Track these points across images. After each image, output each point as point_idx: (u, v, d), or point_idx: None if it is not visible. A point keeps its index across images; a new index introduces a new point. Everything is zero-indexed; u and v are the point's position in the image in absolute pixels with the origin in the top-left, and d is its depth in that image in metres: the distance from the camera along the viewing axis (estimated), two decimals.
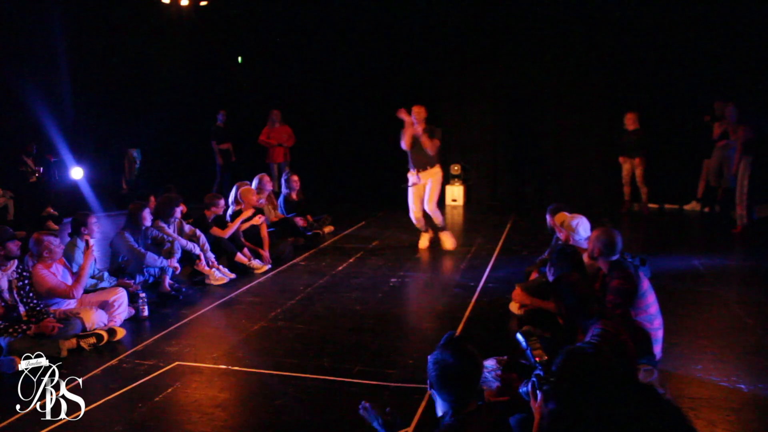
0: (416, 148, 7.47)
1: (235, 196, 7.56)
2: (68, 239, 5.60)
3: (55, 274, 4.98)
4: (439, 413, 2.37)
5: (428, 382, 2.39)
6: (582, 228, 4.87)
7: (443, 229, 7.84)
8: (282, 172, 10.17)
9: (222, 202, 7.19)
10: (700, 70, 9.99)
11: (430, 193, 7.54)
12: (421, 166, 7.52)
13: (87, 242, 5.28)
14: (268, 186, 8.37)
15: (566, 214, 5.11)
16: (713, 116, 9.40)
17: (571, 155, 11.26)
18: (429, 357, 2.43)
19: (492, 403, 3.01)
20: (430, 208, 7.58)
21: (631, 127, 10.01)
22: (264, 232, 7.45)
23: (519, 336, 2.87)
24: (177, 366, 4.28)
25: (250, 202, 7.32)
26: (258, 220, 7.29)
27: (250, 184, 7.90)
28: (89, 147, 11.09)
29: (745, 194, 8.19)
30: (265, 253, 7.19)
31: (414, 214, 7.74)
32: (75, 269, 5.21)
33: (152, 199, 7.38)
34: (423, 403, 3.64)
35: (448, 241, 7.78)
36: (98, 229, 5.60)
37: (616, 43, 10.70)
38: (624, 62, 10.68)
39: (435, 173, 7.55)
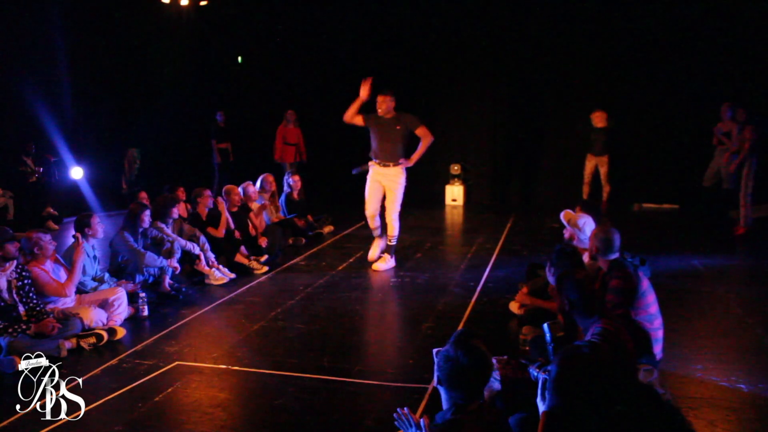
0: (383, 137, 6.73)
1: (261, 185, 8.22)
2: (71, 239, 5.58)
3: (47, 271, 4.95)
4: (444, 407, 2.37)
5: (435, 377, 2.37)
6: (588, 227, 4.85)
7: (383, 239, 6.97)
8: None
9: (208, 192, 7.26)
10: (705, 69, 10.00)
11: (394, 199, 6.77)
12: (383, 160, 6.75)
13: (77, 239, 5.23)
14: (270, 186, 8.41)
15: (572, 212, 5.10)
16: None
17: (571, 154, 11.25)
18: (437, 352, 2.40)
19: (492, 403, 3.00)
20: (391, 217, 6.82)
21: (599, 125, 9.98)
22: (257, 223, 7.64)
23: (545, 326, 3.10)
24: (177, 366, 4.28)
25: (233, 201, 7.36)
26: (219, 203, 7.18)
27: (254, 184, 8.05)
28: (89, 147, 11.07)
29: (749, 195, 8.20)
30: (262, 241, 7.37)
31: (368, 212, 6.93)
32: None
33: (144, 195, 7.45)
34: (423, 403, 3.64)
35: (374, 250, 7.01)
36: (102, 229, 5.57)
37: (616, 43, 10.69)
38: (624, 61, 10.68)
39: (397, 174, 6.74)
